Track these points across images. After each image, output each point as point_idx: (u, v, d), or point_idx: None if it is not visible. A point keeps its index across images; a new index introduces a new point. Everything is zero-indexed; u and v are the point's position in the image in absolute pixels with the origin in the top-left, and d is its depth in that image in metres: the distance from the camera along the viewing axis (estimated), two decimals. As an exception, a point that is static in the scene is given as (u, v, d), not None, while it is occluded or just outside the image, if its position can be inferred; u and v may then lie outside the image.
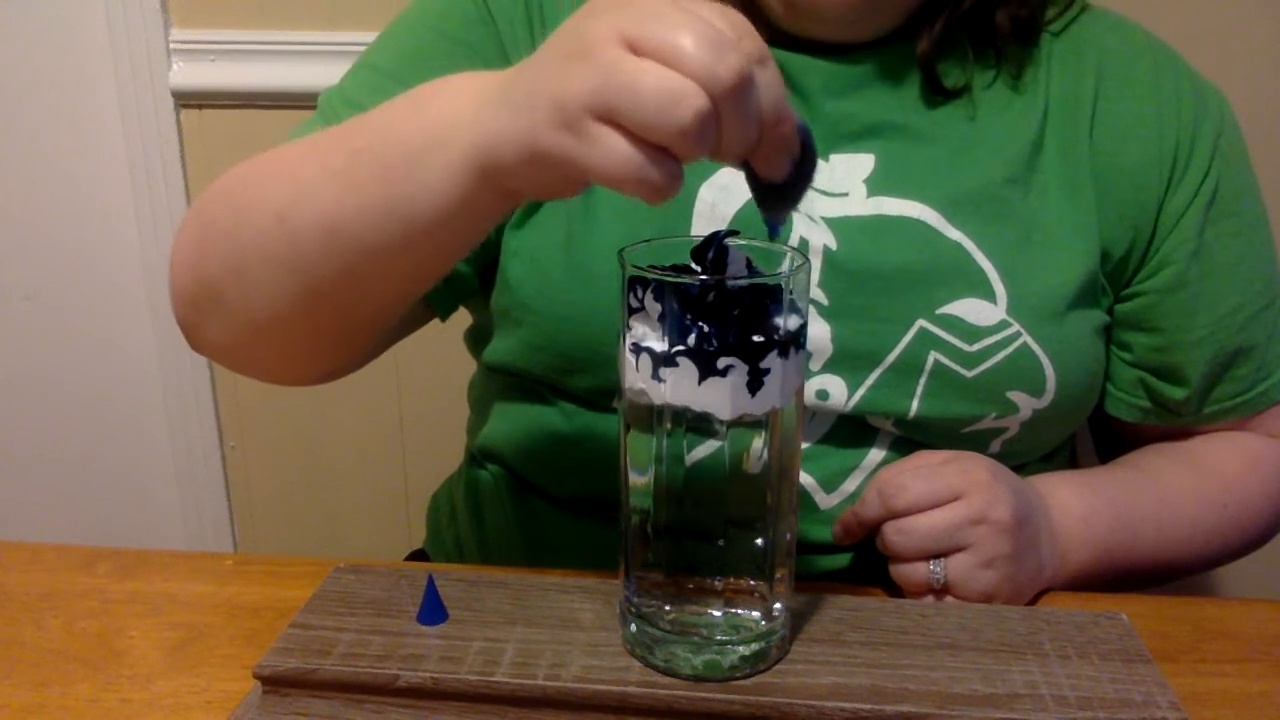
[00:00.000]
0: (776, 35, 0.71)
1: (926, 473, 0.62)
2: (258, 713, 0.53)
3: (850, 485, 0.69)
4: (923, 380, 0.67)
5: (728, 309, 0.46)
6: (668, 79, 0.42)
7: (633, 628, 0.53)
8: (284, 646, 0.53)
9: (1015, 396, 0.68)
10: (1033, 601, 0.65)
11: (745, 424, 0.48)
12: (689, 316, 0.47)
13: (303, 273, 0.58)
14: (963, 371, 0.67)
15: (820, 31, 0.71)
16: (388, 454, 1.32)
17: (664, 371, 0.48)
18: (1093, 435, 0.84)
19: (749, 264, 0.49)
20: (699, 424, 0.48)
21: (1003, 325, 0.67)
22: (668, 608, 0.52)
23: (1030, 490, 0.66)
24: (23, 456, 1.41)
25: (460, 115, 0.50)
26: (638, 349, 0.48)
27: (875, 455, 0.69)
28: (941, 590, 0.61)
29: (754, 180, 0.49)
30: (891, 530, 0.62)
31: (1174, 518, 0.72)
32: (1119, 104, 0.72)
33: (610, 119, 0.44)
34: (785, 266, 0.50)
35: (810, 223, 0.68)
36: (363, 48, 0.78)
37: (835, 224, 0.68)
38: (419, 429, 1.31)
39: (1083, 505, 0.69)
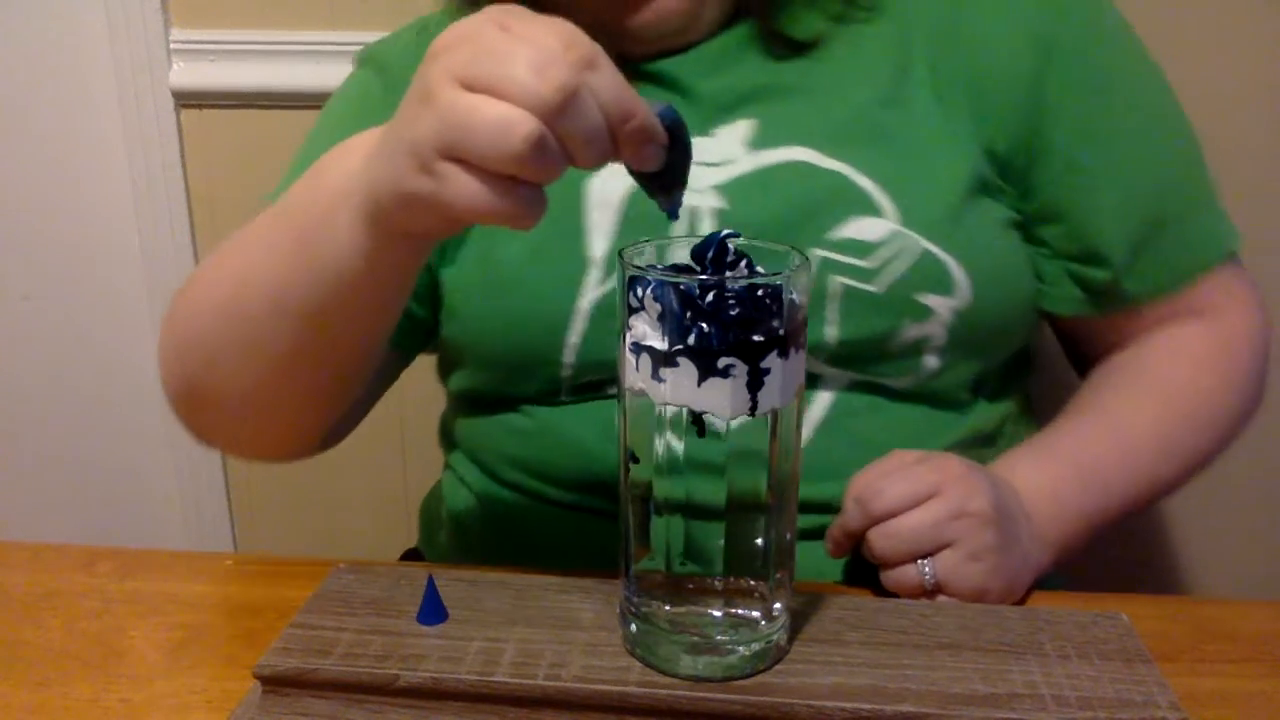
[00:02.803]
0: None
1: (900, 474, 0.62)
2: (258, 713, 0.53)
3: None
4: (834, 306, 0.68)
5: (728, 309, 0.47)
6: (496, 111, 0.45)
7: (633, 628, 0.53)
8: (284, 646, 0.53)
9: (926, 300, 0.69)
10: (1024, 600, 0.65)
11: (745, 424, 0.48)
12: (689, 316, 0.47)
13: (263, 350, 0.63)
14: (867, 287, 0.68)
15: (655, 45, 0.74)
16: (388, 454, 1.32)
17: (664, 371, 0.48)
18: (1065, 352, 0.85)
19: (749, 264, 0.49)
20: (699, 424, 0.48)
21: (895, 236, 0.69)
22: (668, 608, 0.52)
23: (1001, 479, 0.66)
24: (23, 456, 1.41)
25: (352, 173, 0.54)
26: (638, 349, 0.48)
27: (818, 408, 0.70)
28: (934, 590, 0.61)
29: (634, 174, 0.50)
30: (876, 536, 0.62)
31: (1140, 454, 0.72)
32: (979, 9, 0.73)
33: (454, 157, 0.47)
34: (785, 266, 0.50)
35: (698, 194, 0.71)
36: (361, 48, 0.79)
37: (722, 189, 0.71)
38: (419, 429, 1.31)
39: (1047, 476, 0.69)
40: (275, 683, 0.53)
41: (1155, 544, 1.20)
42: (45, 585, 0.67)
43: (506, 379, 0.74)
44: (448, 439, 0.85)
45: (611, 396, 0.72)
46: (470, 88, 0.46)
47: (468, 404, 0.80)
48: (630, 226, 0.71)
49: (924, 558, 0.61)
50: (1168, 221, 0.74)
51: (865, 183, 0.70)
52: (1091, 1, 0.76)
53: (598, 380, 0.72)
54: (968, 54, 0.73)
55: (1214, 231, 0.76)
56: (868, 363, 0.70)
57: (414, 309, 0.77)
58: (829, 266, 0.68)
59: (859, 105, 0.72)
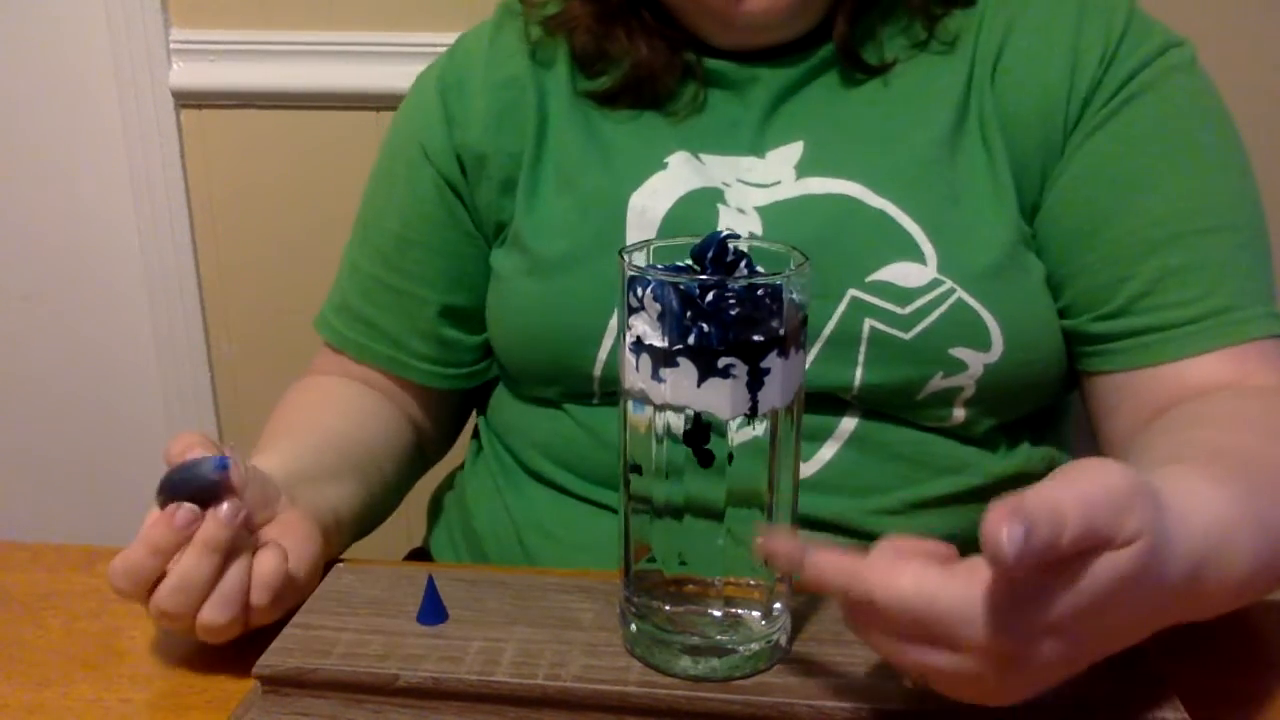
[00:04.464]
0: (714, 50, 0.74)
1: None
2: (258, 713, 0.53)
3: (826, 453, 0.69)
4: (862, 349, 0.67)
5: (728, 309, 0.47)
6: None
7: (633, 628, 0.53)
8: (284, 646, 0.53)
9: (960, 353, 0.67)
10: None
11: (745, 424, 0.48)
12: (689, 316, 0.47)
13: None
14: (900, 334, 0.67)
15: (756, 40, 0.73)
16: (388, 454, 1.32)
17: (664, 371, 0.48)
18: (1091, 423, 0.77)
19: (749, 264, 0.49)
20: (699, 424, 0.48)
21: (934, 284, 0.67)
22: (668, 608, 0.52)
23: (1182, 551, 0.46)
24: (22, 456, 1.41)
25: None
26: (638, 348, 0.48)
27: (848, 424, 0.69)
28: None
29: None
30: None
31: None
32: (1026, 52, 0.71)
33: None
34: (785, 266, 0.50)
35: (740, 214, 0.70)
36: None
37: (764, 211, 0.70)
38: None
39: (1230, 512, 0.49)
40: (275, 683, 0.53)
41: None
42: (45, 585, 0.67)
43: (538, 382, 0.75)
44: (484, 419, 0.85)
45: None
46: None
47: (509, 391, 0.81)
48: None
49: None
50: (1188, 271, 0.67)
51: (910, 226, 0.68)
52: (1174, 56, 0.70)
53: None
54: (1003, 94, 0.70)
55: (1255, 310, 0.67)
56: (893, 408, 0.69)
57: (466, 338, 0.81)
58: (862, 308, 0.67)
59: (916, 146, 0.70)
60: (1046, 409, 0.75)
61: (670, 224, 0.70)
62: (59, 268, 1.33)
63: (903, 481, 0.69)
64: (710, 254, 0.49)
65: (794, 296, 0.48)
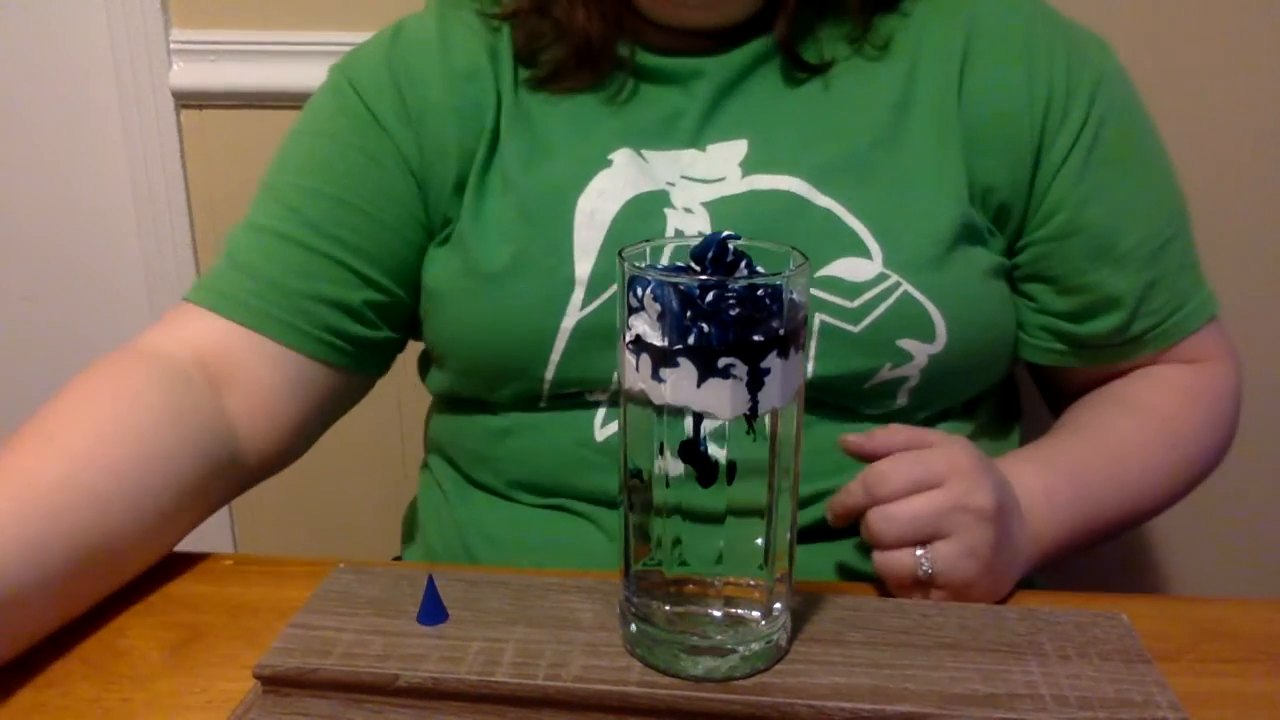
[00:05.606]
0: (658, 35, 0.75)
1: (910, 459, 0.62)
2: (258, 713, 0.53)
3: None
4: (813, 343, 0.69)
5: (728, 309, 0.47)
6: None
7: (633, 628, 0.53)
8: (284, 646, 0.53)
9: (907, 344, 0.69)
10: (1008, 599, 0.65)
11: (745, 424, 0.48)
12: (689, 316, 0.47)
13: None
14: (849, 327, 0.69)
15: (691, 18, 0.74)
16: (388, 454, 1.32)
17: (664, 372, 0.48)
18: (1039, 388, 0.86)
19: (749, 264, 0.49)
20: (699, 424, 0.48)
21: (881, 278, 0.69)
22: (668, 608, 0.52)
23: (1004, 478, 0.66)
24: (23, 456, 1.41)
25: None
26: (638, 349, 0.48)
27: None
28: (926, 581, 0.61)
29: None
30: (875, 516, 0.61)
31: (1128, 472, 0.73)
32: (989, 60, 0.74)
33: None
34: (785, 267, 0.50)
35: (687, 214, 0.71)
36: (338, 60, 0.79)
37: (710, 207, 0.71)
38: (419, 429, 1.31)
39: (1043, 483, 0.69)
40: (275, 683, 0.53)
41: (1155, 544, 1.20)
42: (45, 585, 0.67)
43: (485, 385, 0.75)
44: (428, 436, 0.86)
45: (590, 405, 0.72)
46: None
47: (445, 402, 0.81)
48: (617, 249, 0.70)
49: (920, 546, 0.61)
50: (1158, 284, 0.75)
51: (855, 223, 0.70)
52: (1110, 65, 0.76)
53: (576, 391, 0.72)
54: (972, 101, 0.73)
55: (1199, 297, 0.78)
56: (840, 397, 0.71)
57: (380, 333, 0.78)
58: (812, 303, 0.68)
59: (853, 142, 0.72)
60: (977, 395, 0.77)
61: (619, 226, 0.70)
62: (59, 268, 1.33)
63: (837, 469, 0.69)
64: (710, 254, 0.49)
65: (794, 296, 0.48)
